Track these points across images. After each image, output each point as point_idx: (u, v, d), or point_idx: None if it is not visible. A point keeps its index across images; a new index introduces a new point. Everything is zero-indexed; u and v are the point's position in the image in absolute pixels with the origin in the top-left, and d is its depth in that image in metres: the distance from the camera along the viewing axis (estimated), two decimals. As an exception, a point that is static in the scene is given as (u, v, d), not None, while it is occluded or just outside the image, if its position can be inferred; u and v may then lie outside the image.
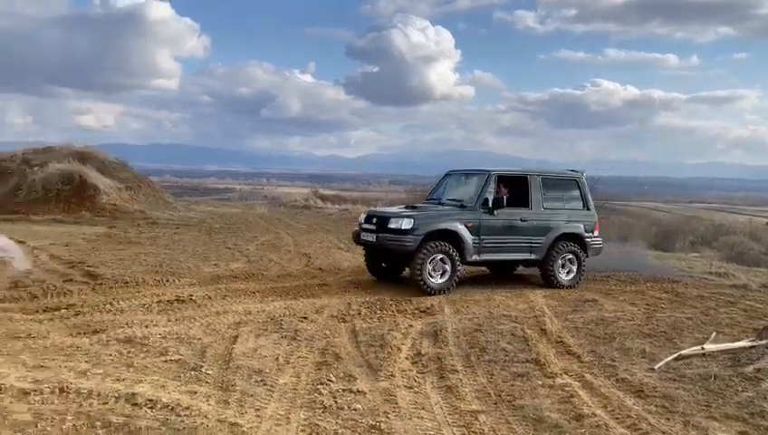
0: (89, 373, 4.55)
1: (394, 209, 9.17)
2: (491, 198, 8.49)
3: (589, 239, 9.22)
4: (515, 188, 8.96)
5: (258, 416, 3.97)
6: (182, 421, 3.76)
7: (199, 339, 5.66)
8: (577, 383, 4.83)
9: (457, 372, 5.03)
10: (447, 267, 8.14)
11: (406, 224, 8.05)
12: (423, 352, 5.55)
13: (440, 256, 8.08)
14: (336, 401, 4.26)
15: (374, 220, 8.51)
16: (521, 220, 8.73)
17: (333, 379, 4.71)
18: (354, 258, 11.16)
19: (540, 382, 4.82)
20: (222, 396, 4.27)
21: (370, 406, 4.23)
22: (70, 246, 11.69)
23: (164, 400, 4.05)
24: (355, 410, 4.14)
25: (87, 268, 9.18)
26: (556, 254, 8.91)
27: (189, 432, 3.62)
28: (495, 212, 8.49)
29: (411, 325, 6.46)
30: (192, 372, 4.71)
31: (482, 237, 8.43)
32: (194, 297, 7.31)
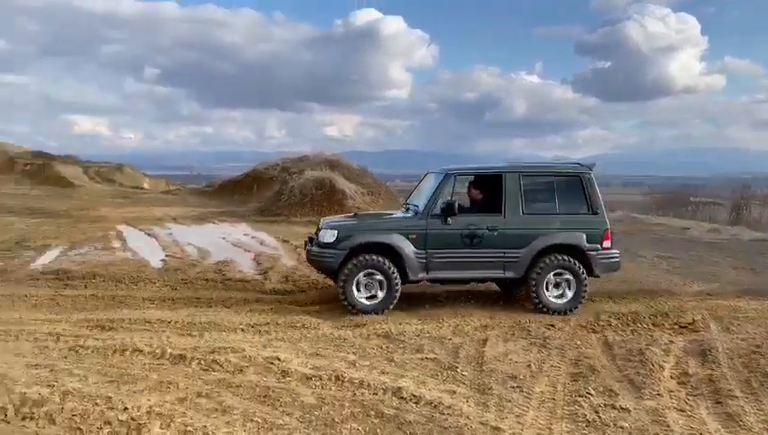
0: (357, 364, 4.97)
1: (336, 219, 7.98)
2: (448, 203, 6.97)
3: (594, 252, 7.16)
4: (492, 189, 7.31)
5: (519, 423, 3.95)
6: (446, 420, 3.91)
7: (450, 339, 5.84)
8: None
9: (737, 397, 4.47)
10: (382, 286, 6.87)
11: (329, 237, 6.98)
12: (690, 371, 5.04)
13: (369, 272, 6.84)
14: (599, 417, 4.06)
15: (316, 231, 7.49)
16: (488, 229, 7.02)
17: (592, 392, 4.50)
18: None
19: None
20: (480, 399, 4.34)
21: (638, 425, 3.95)
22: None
23: (427, 396, 4.25)
24: (621, 428, 3.91)
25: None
26: (541, 270, 7.05)
27: (456, 432, 3.74)
28: (449, 220, 6.96)
29: (672, 341, 5.91)
30: (448, 372, 4.88)
31: (429, 251, 6.96)
32: (439, 298, 7.58)
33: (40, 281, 8.50)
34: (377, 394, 4.30)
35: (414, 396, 4.25)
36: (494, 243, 7.04)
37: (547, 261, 7.06)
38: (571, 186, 7.32)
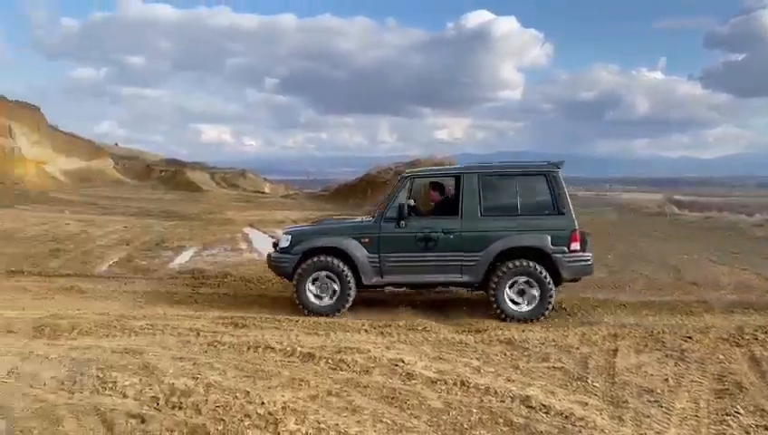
0: (481, 370, 4.90)
1: (298, 225, 7.97)
2: (401, 206, 6.87)
3: (560, 255, 6.69)
4: (452, 192, 7.30)
5: (659, 440, 3.73)
6: (579, 432, 3.76)
7: (577, 348, 5.62)
8: None
9: None
10: (335, 288, 6.90)
11: (284, 241, 7.15)
12: None
13: (322, 274, 6.92)
14: (752, 439, 3.74)
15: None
16: (443, 232, 6.82)
17: (741, 411, 4.14)
18: (734, 273, 9.83)
19: None
20: (614, 412, 4.13)
21: (798, 451, 3.60)
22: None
23: (557, 407, 4.11)
24: (778, 452, 3.58)
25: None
26: (501, 275, 6.70)
27: (591, 445, 3.59)
28: (402, 223, 6.84)
29: (831, 359, 5.34)
30: (578, 382, 4.69)
31: (383, 255, 6.90)
32: (563, 305, 7.33)
33: (178, 279, 9.17)
34: (504, 402, 4.22)
35: (543, 406, 4.12)
36: (451, 246, 6.86)
37: (508, 265, 6.75)
38: (536, 185, 6.99)
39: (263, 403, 4.01)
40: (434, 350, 5.48)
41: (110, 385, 4.28)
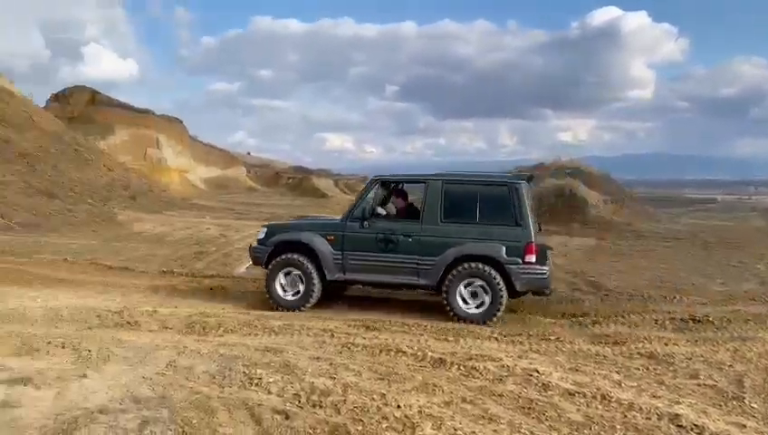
0: (623, 384, 4.67)
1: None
2: (366, 207, 7.20)
3: (513, 266, 6.72)
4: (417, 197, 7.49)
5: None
6: (740, 457, 3.47)
7: (730, 366, 5.19)
8: None
9: None
10: (302, 283, 7.26)
11: (261, 234, 7.70)
12: None
13: (290, 269, 7.31)
14: None
15: None
16: (403, 236, 7.04)
17: None
18: None
19: None
20: (779, 437, 3.78)
21: None
22: (567, 256, 12.51)
23: (711, 428, 3.83)
24: None
25: (589, 278, 9.62)
26: (454, 279, 6.84)
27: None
28: (365, 224, 7.10)
29: None
30: (733, 402, 4.34)
31: (346, 253, 7.20)
32: (710, 318, 6.79)
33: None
34: (650, 419, 3.98)
35: (695, 425, 3.85)
36: (409, 249, 7.07)
37: (461, 270, 6.86)
38: (498, 196, 7.05)
39: (399, 406, 4.06)
40: (569, 361, 5.29)
41: (256, 381, 4.53)
